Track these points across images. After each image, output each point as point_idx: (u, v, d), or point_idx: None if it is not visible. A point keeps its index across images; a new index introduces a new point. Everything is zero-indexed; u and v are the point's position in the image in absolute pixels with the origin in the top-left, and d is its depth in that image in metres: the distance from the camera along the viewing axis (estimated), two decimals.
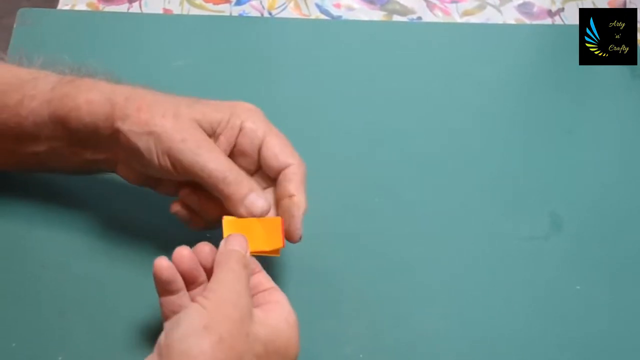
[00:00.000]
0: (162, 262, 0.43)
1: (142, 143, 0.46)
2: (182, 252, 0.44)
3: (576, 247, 0.55)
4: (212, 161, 0.45)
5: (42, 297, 0.49)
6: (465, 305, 0.52)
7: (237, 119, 0.48)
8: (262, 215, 0.46)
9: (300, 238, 0.47)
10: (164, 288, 0.43)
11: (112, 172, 0.50)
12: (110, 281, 0.50)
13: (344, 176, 0.58)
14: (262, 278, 0.45)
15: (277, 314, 0.43)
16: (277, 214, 0.47)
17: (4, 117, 0.48)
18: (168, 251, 0.52)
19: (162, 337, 0.39)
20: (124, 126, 0.46)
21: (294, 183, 0.47)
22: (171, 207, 0.48)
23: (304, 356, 0.46)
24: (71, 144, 0.48)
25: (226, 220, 0.45)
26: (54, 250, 0.52)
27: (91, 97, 0.47)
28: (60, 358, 0.47)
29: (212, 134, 0.47)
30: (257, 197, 0.46)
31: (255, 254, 0.45)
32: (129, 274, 0.51)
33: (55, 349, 0.47)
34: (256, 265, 0.45)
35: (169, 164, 0.46)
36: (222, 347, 0.38)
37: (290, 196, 0.47)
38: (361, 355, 0.48)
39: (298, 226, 0.46)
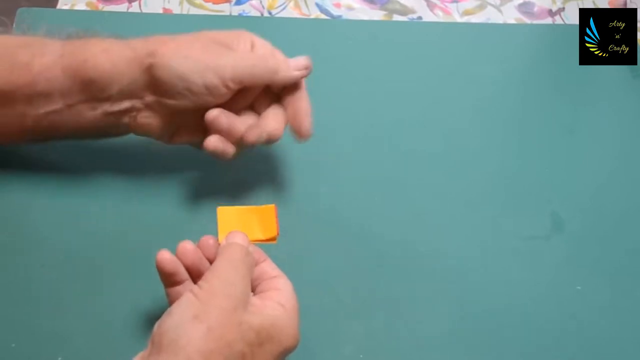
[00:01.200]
0: (163, 255, 0.43)
1: (181, 67, 0.46)
2: (186, 246, 0.44)
3: (577, 247, 0.55)
4: (253, 59, 0.49)
5: (42, 297, 0.49)
6: (466, 304, 0.52)
7: (247, 37, 0.50)
8: (306, 67, 0.50)
9: (309, 135, 0.50)
10: (167, 280, 0.44)
11: (129, 131, 0.50)
12: (110, 281, 0.50)
13: (344, 175, 0.58)
14: (267, 267, 0.45)
15: (274, 301, 0.43)
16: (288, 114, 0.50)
17: (14, 77, 0.47)
18: (171, 250, 0.52)
19: (155, 326, 0.40)
20: (157, 59, 0.46)
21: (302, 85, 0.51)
22: (206, 144, 0.48)
23: (304, 356, 0.46)
24: (88, 97, 0.48)
25: (220, 210, 0.46)
26: (53, 250, 0.51)
27: (107, 46, 0.47)
28: (59, 358, 0.47)
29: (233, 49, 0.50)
30: (299, 59, 0.50)
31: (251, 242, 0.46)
32: (129, 274, 0.51)
33: (54, 349, 0.47)
34: (261, 254, 0.45)
35: (216, 80, 0.47)
36: (211, 337, 0.39)
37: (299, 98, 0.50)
38: (361, 356, 0.48)
39: (308, 124, 0.50)
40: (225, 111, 0.48)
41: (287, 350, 0.42)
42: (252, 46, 0.50)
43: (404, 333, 0.50)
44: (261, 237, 0.46)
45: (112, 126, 0.50)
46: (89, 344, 0.47)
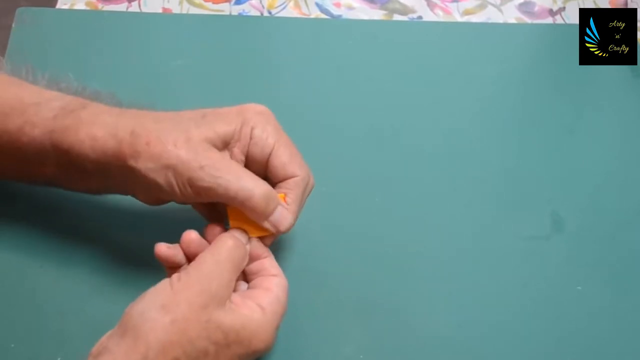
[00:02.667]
0: (160, 249, 0.44)
1: (161, 178, 0.44)
2: (191, 236, 0.44)
3: (577, 247, 0.55)
4: (235, 181, 0.44)
5: (41, 298, 0.49)
6: (466, 305, 0.52)
7: (248, 127, 0.47)
8: (287, 231, 0.46)
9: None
10: (169, 267, 0.44)
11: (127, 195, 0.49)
12: (109, 281, 0.50)
13: (344, 175, 0.58)
14: (268, 263, 0.45)
15: (255, 302, 0.42)
16: None
17: (4, 142, 0.47)
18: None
19: (127, 306, 0.40)
20: (138, 164, 0.44)
21: (292, 194, 0.46)
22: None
23: (304, 356, 0.46)
24: (78, 172, 0.47)
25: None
26: (52, 250, 0.51)
27: (94, 133, 0.45)
28: (59, 359, 0.47)
29: (226, 147, 0.47)
30: (284, 214, 0.45)
31: (256, 236, 0.46)
32: (129, 274, 0.51)
33: (54, 349, 0.47)
34: (264, 250, 0.45)
35: (191, 193, 0.45)
36: (174, 329, 0.39)
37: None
38: (361, 356, 0.48)
39: (267, 242, 0.47)
40: (198, 237, 0.45)
41: (255, 354, 0.42)
42: (251, 138, 0.47)
43: (404, 333, 0.50)
44: (268, 232, 0.46)
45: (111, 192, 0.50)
46: (88, 344, 0.47)
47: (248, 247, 0.45)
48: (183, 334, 0.39)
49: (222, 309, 0.41)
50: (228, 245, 0.43)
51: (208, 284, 0.41)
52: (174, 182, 0.44)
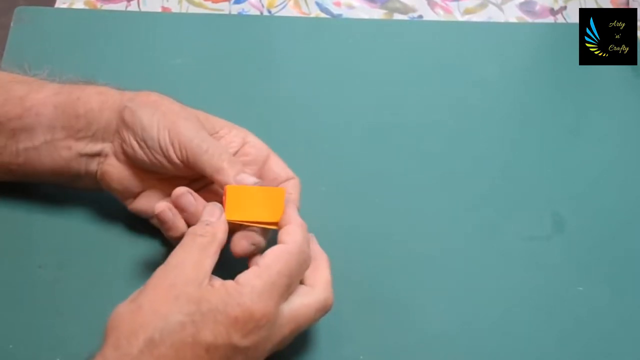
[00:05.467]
0: (160, 206, 0.45)
1: (146, 116, 0.47)
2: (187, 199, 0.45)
3: (578, 247, 0.55)
4: (211, 141, 0.47)
5: (40, 298, 0.49)
6: (466, 305, 0.52)
7: (241, 133, 0.50)
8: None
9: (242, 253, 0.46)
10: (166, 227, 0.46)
11: (97, 183, 0.50)
12: (107, 281, 0.50)
13: (344, 175, 0.58)
14: (314, 249, 0.46)
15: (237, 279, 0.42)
16: None
17: (7, 109, 0.48)
18: (169, 249, 0.52)
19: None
20: (131, 103, 0.47)
21: (294, 195, 0.49)
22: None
23: (304, 356, 0.46)
24: (68, 134, 0.48)
25: (229, 188, 0.45)
26: (51, 250, 0.51)
27: (103, 90, 0.49)
28: (58, 359, 0.46)
29: (214, 135, 0.49)
30: (248, 176, 0.46)
31: (255, 225, 0.45)
32: (127, 274, 0.50)
33: (53, 350, 0.47)
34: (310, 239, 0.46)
35: (167, 140, 0.46)
36: (142, 312, 0.39)
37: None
38: (361, 357, 0.48)
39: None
40: (193, 194, 0.46)
41: (242, 324, 0.40)
42: (243, 144, 0.50)
43: (404, 333, 0.50)
44: (267, 219, 0.45)
45: (83, 173, 0.50)
46: (87, 345, 0.47)
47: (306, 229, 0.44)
48: (154, 314, 0.39)
49: (192, 286, 0.40)
50: (192, 231, 0.43)
51: (173, 269, 0.41)
52: (156, 124, 0.46)
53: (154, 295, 0.40)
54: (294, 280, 0.43)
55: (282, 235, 0.44)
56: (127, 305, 0.40)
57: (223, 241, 0.43)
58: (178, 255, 0.42)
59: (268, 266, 0.42)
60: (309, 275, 0.45)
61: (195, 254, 0.42)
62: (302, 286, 0.44)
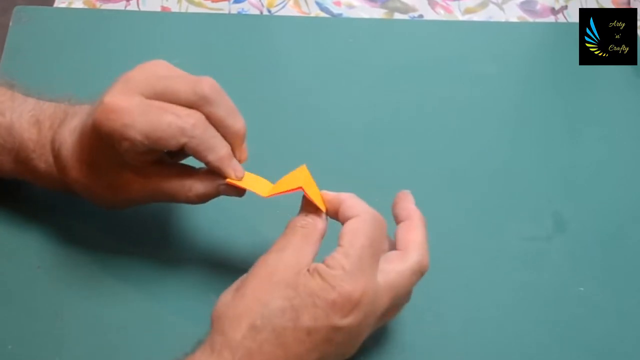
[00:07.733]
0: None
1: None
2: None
3: (579, 247, 0.55)
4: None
5: (39, 299, 0.49)
6: (466, 304, 0.52)
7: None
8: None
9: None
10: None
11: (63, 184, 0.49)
12: (106, 282, 0.50)
13: (344, 175, 0.57)
14: (343, 212, 0.45)
15: (332, 262, 0.42)
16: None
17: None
18: (166, 250, 0.52)
19: None
20: (89, 120, 0.45)
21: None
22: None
23: None
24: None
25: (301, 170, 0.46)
26: (50, 251, 0.51)
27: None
28: (57, 359, 0.46)
29: None
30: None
31: (288, 192, 0.46)
32: (127, 274, 0.50)
33: (52, 350, 0.47)
34: (338, 201, 0.46)
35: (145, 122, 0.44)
36: (245, 300, 0.40)
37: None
38: (361, 357, 0.48)
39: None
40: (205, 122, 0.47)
41: (340, 305, 0.41)
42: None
43: (404, 334, 0.50)
44: (290, 187, 0.46)
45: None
46: (86, 346, 0.47)
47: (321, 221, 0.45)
48: (255, 300, 0.40)
49: (291, 272, 0.41)
50: (289, 224, 0.44)
51: (274, 257, 0.42)
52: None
53: (255, 282, 0.41)
54: (378, 246, 0.43)
55: (346, 212, 0.44)
56: (230, 294, 0.41)
57: (323, 231, 0.44)
58: (279, 243, 0.43)
59: (351, 243, 0.42)
60: (401, 237, 0.45)
61: (296, 242, 0.43)
62: (394, 252, 0.44)
